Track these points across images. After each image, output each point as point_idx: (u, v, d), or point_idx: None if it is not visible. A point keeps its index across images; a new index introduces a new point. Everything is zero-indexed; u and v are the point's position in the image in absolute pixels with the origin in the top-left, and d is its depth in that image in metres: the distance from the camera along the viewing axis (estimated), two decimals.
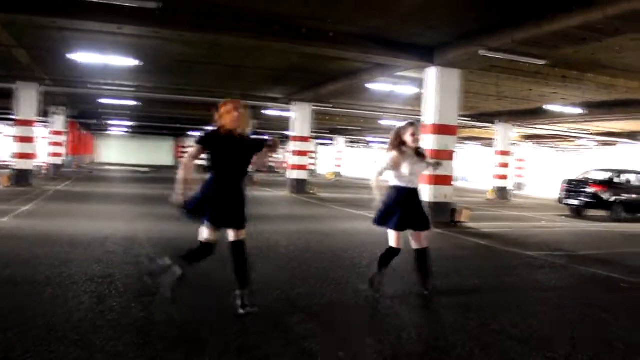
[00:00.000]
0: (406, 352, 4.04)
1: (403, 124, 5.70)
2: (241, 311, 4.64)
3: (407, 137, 5.52)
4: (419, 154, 5.60)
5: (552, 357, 4.06)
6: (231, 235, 4.69)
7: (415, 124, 5.65)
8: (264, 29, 10.61)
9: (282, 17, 10.34)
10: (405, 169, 5.47)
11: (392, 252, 5.60)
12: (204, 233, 4.64)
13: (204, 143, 4.62)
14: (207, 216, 4.56)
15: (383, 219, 5.54)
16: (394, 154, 5.51)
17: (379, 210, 5.59)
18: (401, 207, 5.45)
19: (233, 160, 4.63)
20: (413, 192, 5.56)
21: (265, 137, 5.05)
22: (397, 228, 5.47)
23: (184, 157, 4.68)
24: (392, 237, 5.56)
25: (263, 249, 8.10)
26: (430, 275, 5.74)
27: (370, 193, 5.75)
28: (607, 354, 4.19)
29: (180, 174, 4.57)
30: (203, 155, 4.65)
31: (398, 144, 5.54)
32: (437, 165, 5.94)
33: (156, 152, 57.77)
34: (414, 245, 5.64)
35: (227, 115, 4.60)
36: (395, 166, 5.48)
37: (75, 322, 4.34)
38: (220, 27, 10.41)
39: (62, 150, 30.39)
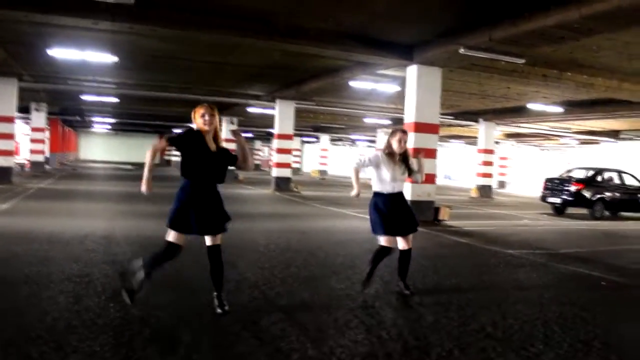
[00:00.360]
0: (385, 351, 4.01)
1: (393, 129, 5.77)
2: (219, 310, 4.65)
3: (394, 142, 5.55)
4: (404, 160, 5.63)
5: (528, 356, 4.07)
6: (208, 239, 4.66)
7: (404, 131, 5.69)
8: (243, 26, 10.52)
9: (261, 14, 10.25)
10: (387, 173, 5.49)
11: (384, 251, 5.62)
12: (170, 235, 4.58)
13: (173, 142, 4.56)
14: (180, 224, 4.52)
15: (378, 228, 5.57)
16: (378, 154, 5.57)
17: (370, 219, 5.63)
18: (387, 214, 5.48)
19: (206, 165, 4.58)
20: (397, 197, 5.59)
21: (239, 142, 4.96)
22: (386, 233, 5.52)
23: (150, 146, 4.60)
24: (383, 238, 5.58)
25: (242, 248, 8.05)
26: (407, 273, 5.78)
27: (352, 190, 5.75)
28: (584, 353, 4.20)
29: (146, 160, 4.49)
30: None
31: (386, 147, 5.61)
32: (420, 173, 5.90)
33: (140, 150, 56.70)
34: (401, 245, 5.65)
35: (199, 120, 4.58)
36: (376, 165, 5.52)
37: (50, 322, 4.28)
38: (196, 24, 10.30)
39: (43, 147, 30.03)
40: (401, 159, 5.62)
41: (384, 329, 4.56)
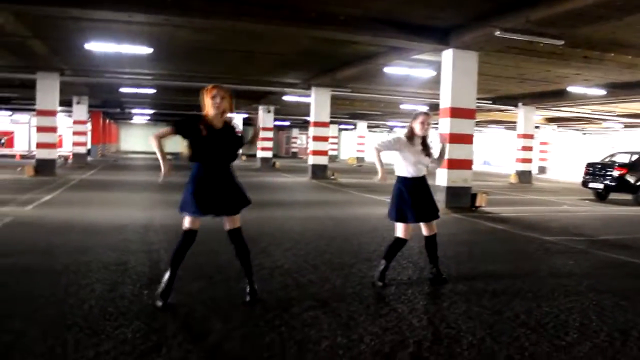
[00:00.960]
0: (415, 339, 3.98)
1: (415, 113, 5.66)
2: (248, 298, 4.66)
3: (416, 125, 5.46)
4: (425, 144, 5.53)
5: (563, 345, 3.98)
6: (226, 224, 4.62)
7: (427, 114, 5.57)
8: (273, 13, 10.51)
9: (291, 1, 10.24)
10: (409, 156, 5.43)
11: (399, 243, 5.56)
12: (186, 221, 4.55)
13: (178, 127, 4.52)
14: (193, 206, 4.43)
15: (392, 212, 5.51)
16: (400, 137, 5.51)
17: (390, 203, 5.56)
18: (409, 202, 5.40)
19: (214, 148, 4.46)
20: (419, 181, 5.50)
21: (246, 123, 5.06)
22: (398, 219, 5.45)
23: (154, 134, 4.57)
24: (399, 228, 5.52)
25: (276, 235, 8.12)
26: (437, 260, 5.72)
27: (376, 175, 5.64)
28: (621, 342, 4.08)
29: (155, 149, 4.55)
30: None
31: (408, 131, 5.53)
32: (439, 160, 5.81)
33: (179, 139, 57.85)
34: (424, 232, 5.60)
35: (208, 100, 4.47)
36: (398, 149, 5.45)
37: (86, 309, 4.39)
38: (229, 13, 10.32)
39: (85, 139, 30.74)
40: (423, 143, 5.51)
41: (416, 317, 4.53)
